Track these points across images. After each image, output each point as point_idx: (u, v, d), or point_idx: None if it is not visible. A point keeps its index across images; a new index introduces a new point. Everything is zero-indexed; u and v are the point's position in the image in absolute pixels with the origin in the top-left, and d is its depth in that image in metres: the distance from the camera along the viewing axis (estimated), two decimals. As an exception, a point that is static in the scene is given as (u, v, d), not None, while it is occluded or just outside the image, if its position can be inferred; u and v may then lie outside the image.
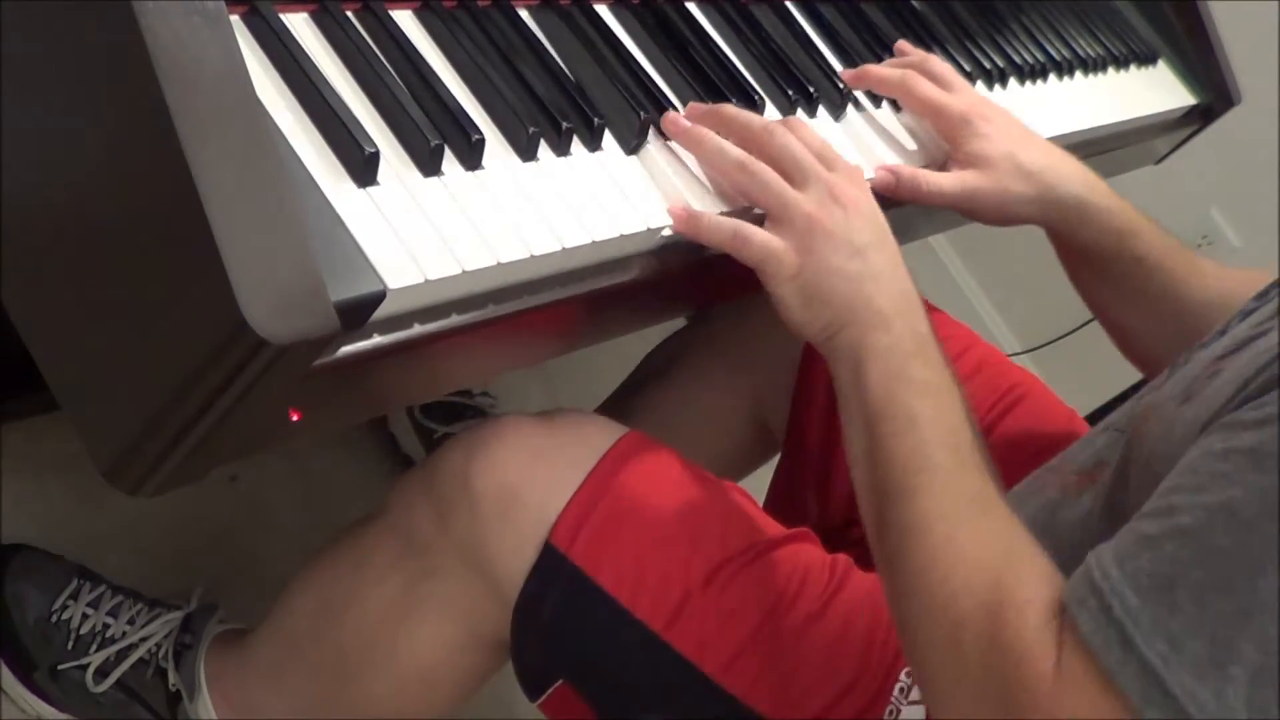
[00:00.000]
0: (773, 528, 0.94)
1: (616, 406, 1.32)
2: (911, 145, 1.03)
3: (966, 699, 0.69)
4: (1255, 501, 0.61)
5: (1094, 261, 1.02)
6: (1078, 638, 0.64)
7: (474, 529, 0.89)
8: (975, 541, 0.73)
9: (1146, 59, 1.44)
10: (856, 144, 0.99)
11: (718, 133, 0.85)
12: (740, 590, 0.88)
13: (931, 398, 0.78)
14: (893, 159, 1.00)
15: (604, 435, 0.92)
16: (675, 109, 0.87)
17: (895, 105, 1.05)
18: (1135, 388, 1.71)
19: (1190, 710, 0.61)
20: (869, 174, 0.96)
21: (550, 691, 0.92)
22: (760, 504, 0.99)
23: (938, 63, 1.05)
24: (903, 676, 0.88)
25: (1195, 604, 0.61)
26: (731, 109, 0.88)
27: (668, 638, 0.87)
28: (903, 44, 1.09)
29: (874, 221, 0.84)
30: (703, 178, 0.86)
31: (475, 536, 0.89)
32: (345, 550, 0.99)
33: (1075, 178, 1.00)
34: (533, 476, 0.88)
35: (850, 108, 1.02)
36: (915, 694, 0.88)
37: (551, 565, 0.87)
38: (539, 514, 0.88)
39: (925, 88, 1.01)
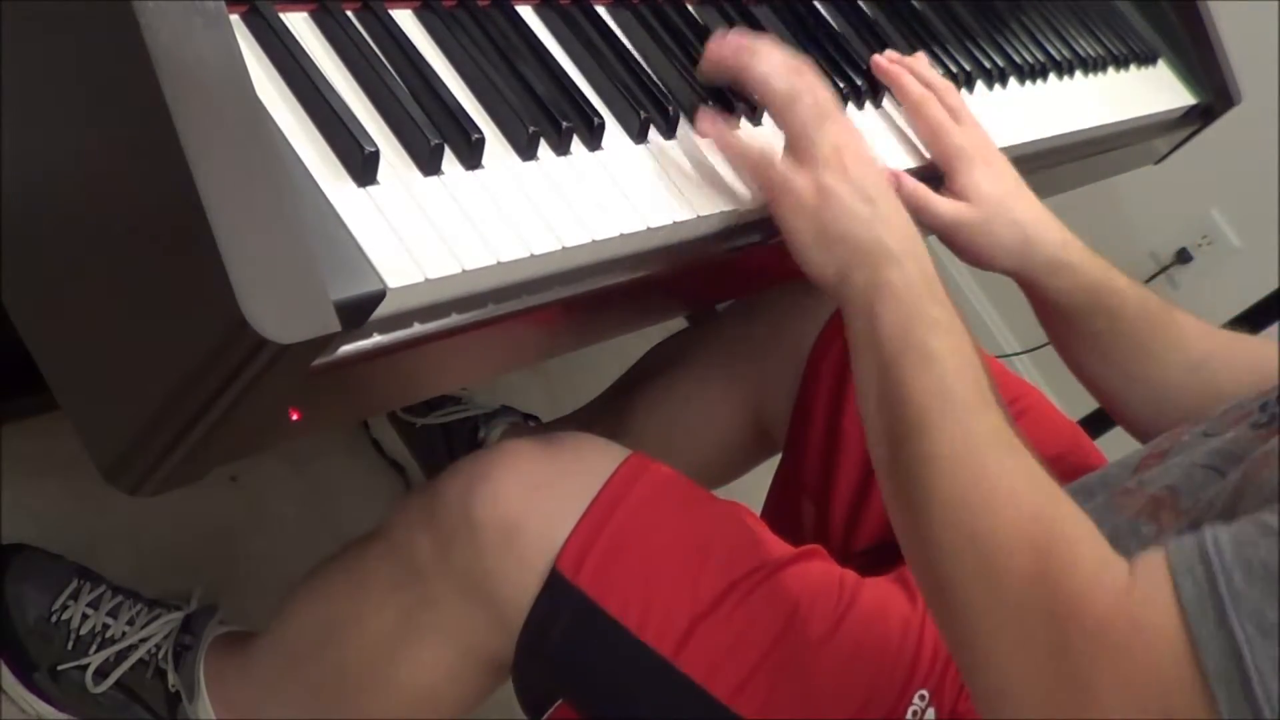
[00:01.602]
0: (780, 547, 0.93)
1: (615, 401, 1.33)
2: (906, 149, 1.03)
3: (1008, 631, 0.68)
4: None
5: (1067, 318, 1.02)
6: (1169, 596, 0.64)
7: (476, 559, 0.88)
8: (1010, 476, 0.72)
9: (1146, 59, 1.44)
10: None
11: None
12: (749, 613, 0.88)
13: (948, 334, 0.78)
14: (894, 160, 1.00)
15: (606, 460, 0.91)
16: (676, 108, 0.87)
17: (890, 101, 1.05)
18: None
19: (1258, 694, 0.61)
20: None
21: (551, 711, 0.91)
22: (757, 510, 0.99)
23: (954, 94, 1.05)
24: (916, 699, 0.88)
25: None
26: (768, 42, 0.88)
27: (677, 663, 0.86)
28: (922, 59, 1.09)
29: (879, 172, 0.85)
30: (703, 178, 0.85)
31: (478, 566, 0.88)
32: (347, 569, 0.98)
33: (1054, 236, 1.00)
34: (535, 505, 0.88)
35: (850, 104, 1.02)
36: (930, 716, 0.88)
37: (558, 593, 0.87)
38: (543, 542, 0.87)
39: (938, 111, 1.01)
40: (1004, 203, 0.99)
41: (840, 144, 0.84)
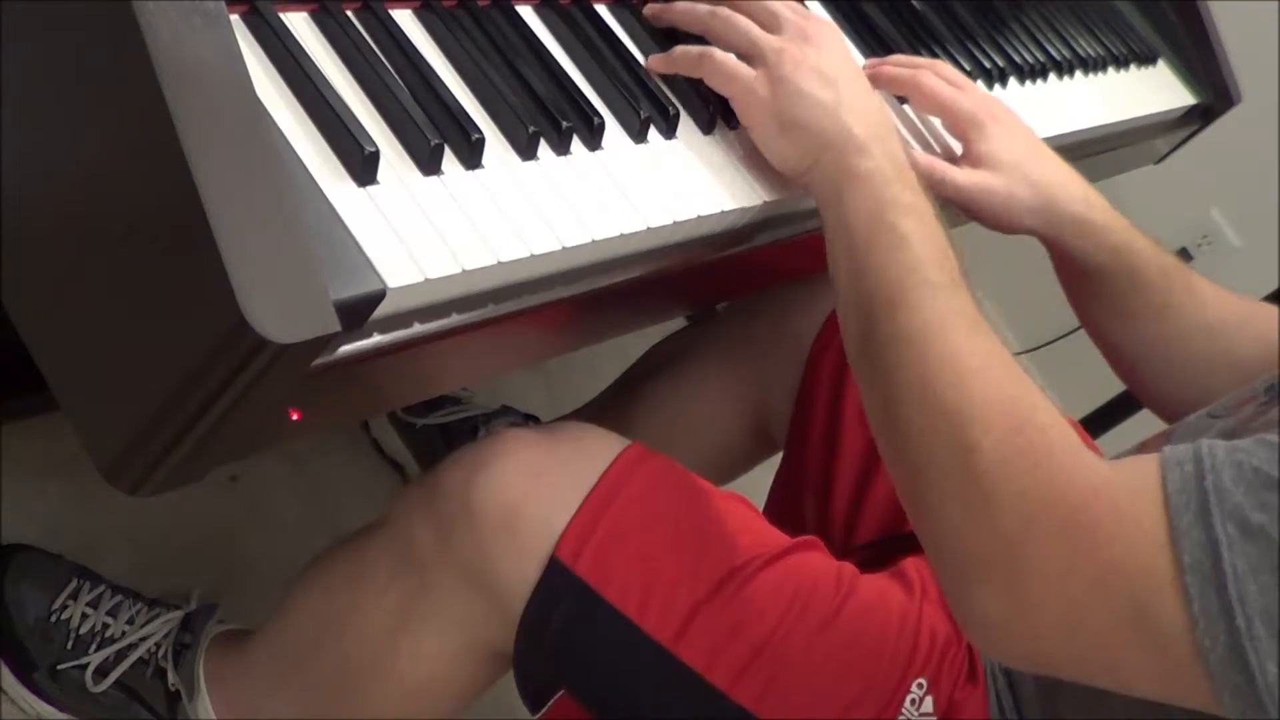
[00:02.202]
0: (778, 537, 0.94)
1: (615, 400, 1.33)
2: (915, 146, 1.03)
3: (979, 503, 0.68)
4: None
5: (1089, 278, 1.02)
6: (1155, 486, 0.64)
7: (476, 548, 0.88)
8: (985, 354, 0.72)
9: (1146, 59, 1.44)
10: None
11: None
12: (748, 601, 0.88)
13: (918, 220, 0.78)
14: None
15: (606, 449, 0.92)
16: (675, 108, 0.87)
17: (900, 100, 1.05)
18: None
19: (1231, 592, 0.61)
20: None
21: (552, 704, 0.91)
22: (761, 509, 0.99)
23: (946, 66, 1.05)
24: (914, 687, 0.88)
25: None
26: None
27: (676, 651, 0.87)
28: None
29: (844, 57, 0.86)
30: (703, 178, 0.86)
31: (477, 555, 0.88)
32: (345, 561, 0.98)
33: (1077, 193, 1.00)
34: (535, 494, 0.88)
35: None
36: (927, 704, 0.88)
37: (557, 581, 0.87)
38: (543, 531, 0.87)
39: (937, 85, 1.01)
40: (1022, 165, 0.98)
41: (792, 34, 0.85)
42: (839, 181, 0.80)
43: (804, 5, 0.90)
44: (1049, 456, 0.67)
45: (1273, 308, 1.02)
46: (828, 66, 0.84)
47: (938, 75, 1.02)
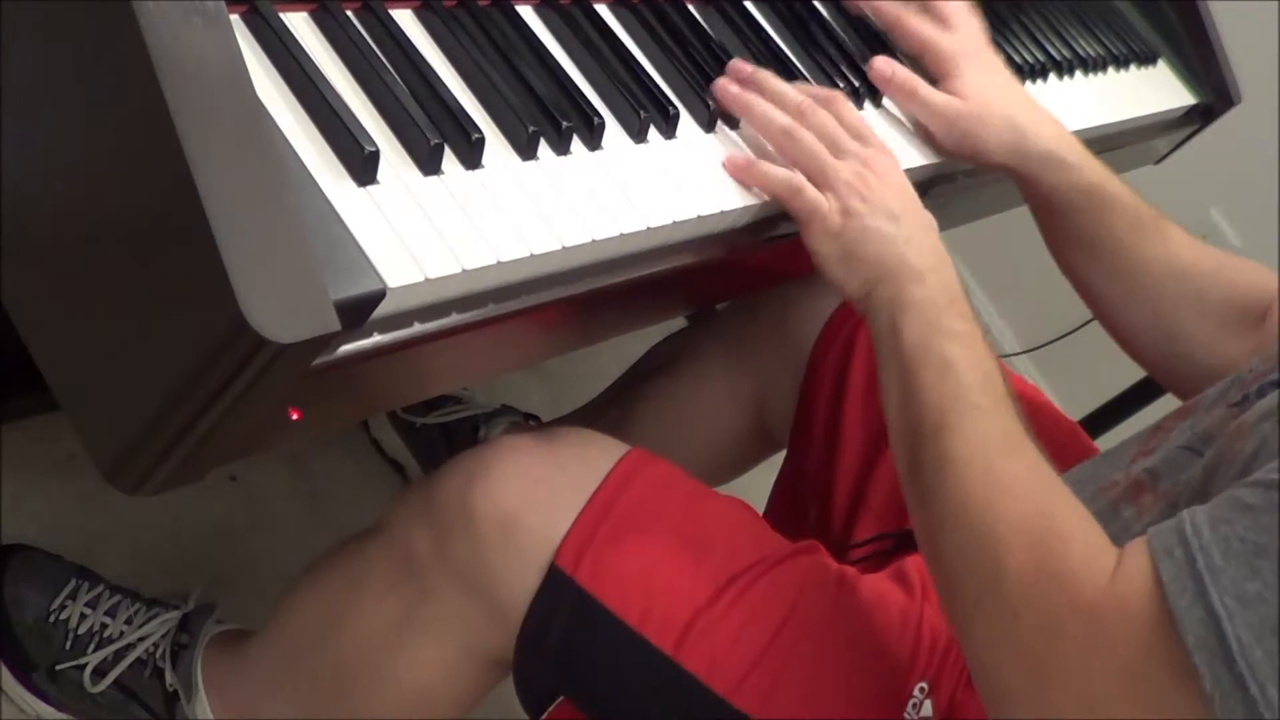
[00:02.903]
0: (778, 542, 0.94)
1: (615, 399, 1.33)
2: (916, 146, 1.03)
3: (1003, 622, 0.70)
4: None
5: (1062, 217, 1.04)
6: (1150, 579, 0.65)
7: (475, 554, 0.88)
8: (1015, 474, 0.75)
9: (1146, 59, 1.44)
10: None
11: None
12: (749, 607, 0.88)
13: (966, 346, 0.81)
14: (902, 156, 1.00)
15: (605, 455, 0.91)
16: (675, 108, 0.87)
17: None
18: (1136, 389, 1.71)
19: (1240, 664, 0.62)
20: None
21: (551, 710, 0.91)
22: (759, 509, 0.99)
23: (941, 4, 1.07)
24: (915, 691, 0.88)
25: (1275, 574, 0.63)
26: (774, 79, 0.92)
27: (677, 658, 0.86)
28: None
29: (905, 191, 0.89)
30: (703, 177, 0.85)
31: (476, 561, 0.88)
32: (344, 565, 0.98)
33: (1050, 132, 1.03)
34: (534, 500, 0.88)
35: (866, 102, 1.02)
36: (927, 708, 0.88)
37: (557, 589, 0.87)
38: (542, 538, 0.87)
39: (918, 23, 1.04)
40: (997, 100, 1.02)
41: (857, 166, 0.88)
42: (893, 310, 0.84)
43: (865, 126, 0.92)
44: (1065, 570, 0.69)
45: (1249, 262, 1.05)
46: (893, 201, 0.87)
47: (930, 10, 1.05)
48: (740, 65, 0.93)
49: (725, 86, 0.91)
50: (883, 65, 1.00)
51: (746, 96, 0.90)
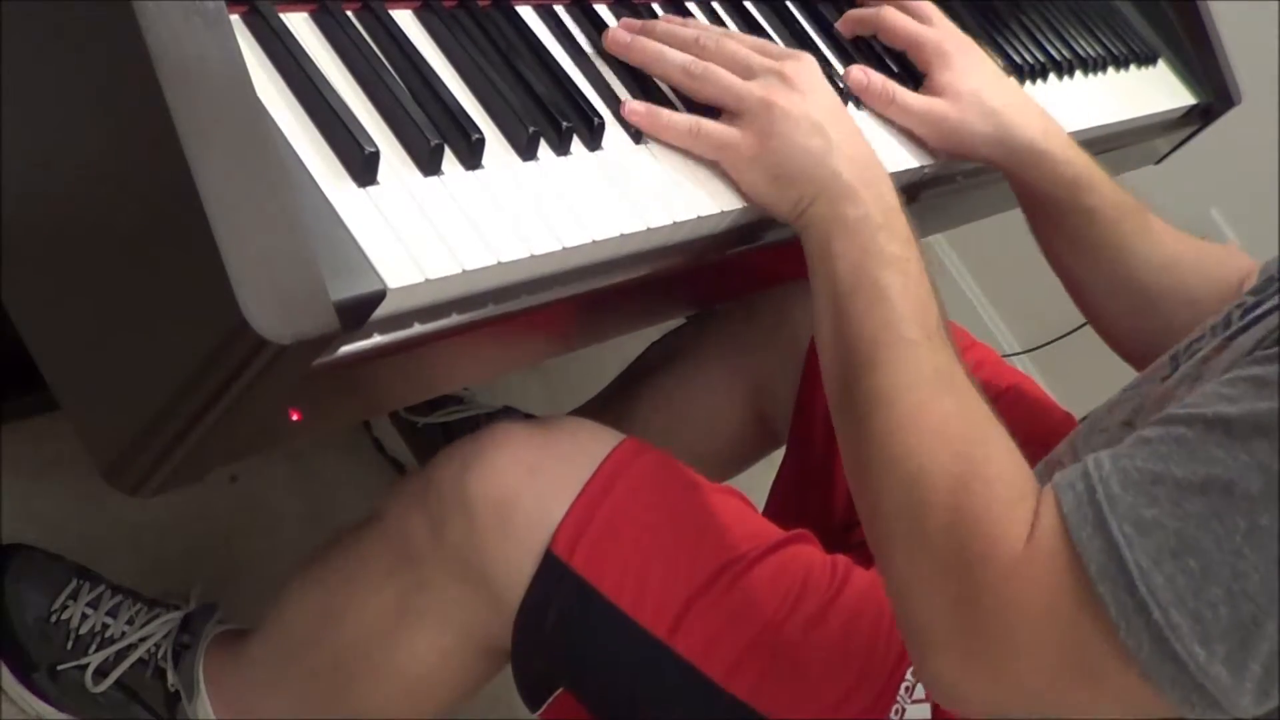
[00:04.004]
0: (772, 530, 0.94)
1: (615, 396, 1.33)
2: (909, 148, 1.03)
3: (925, 567, 0.70)
4: (1250, 419, 0.64)
5: (1047, 210, 1.03)
6: (1056, 517, 0.66)
7: (471, 540, 0.88)
8: (943, 414, 0.73)
9: (1146, 59, 1.44)
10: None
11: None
12: (742, 594, 0.88)
13: (899, 272, 0.79)
14: (894, 159, 1.00)
15: (601, 442, 0.92)
16: (676, 109, 0.87)
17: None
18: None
19: (1141, 589, 0.63)
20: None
21: (551, 700, 0.92)
22: (759, 505, 0.99)
23: (916, 2, 1.06)
24: (908, 675, 0.88)
25: (1170, 500, 0.64)
26: (664, 24, 0.89)
27: (671, 644, 0.87)
28: None
29: (828, 98, 0.86)
30: (703, 178, 0.85)
31: (472, 548, 0.88)
32: (341, 556, 0.98)
33: (1034, 124, 1.01)
34: (530, 487, 0.88)
35: (850, 105, 1.02)
36: (920, 692, 0.88)
37: (553, 575, 0.87)
38: (538, 524, 0.87)
39: (899, 19, 1.03)
40: (980, 93, 1.00)
41: (772, 82, 0.84)
42: (826, 229, 0.81)
43: (772, 44, 0.89)
44: (987, 517, 0.69)
45: (1224, 246, 1.06)
46: (815, 111, 0.83)
47: (906, 8, 1.05)
48: (629, 20, 0.90)
49: (615, 36, 0.87)
50: (858, 74, 0.99)
51: (639, 42, 0.87)
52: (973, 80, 1.01)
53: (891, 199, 0.82)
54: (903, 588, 0.72)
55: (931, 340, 0.77)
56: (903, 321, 0.77)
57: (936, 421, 0.73)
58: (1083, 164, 1.02)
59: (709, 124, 0.84)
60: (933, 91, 1.01)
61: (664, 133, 0.84)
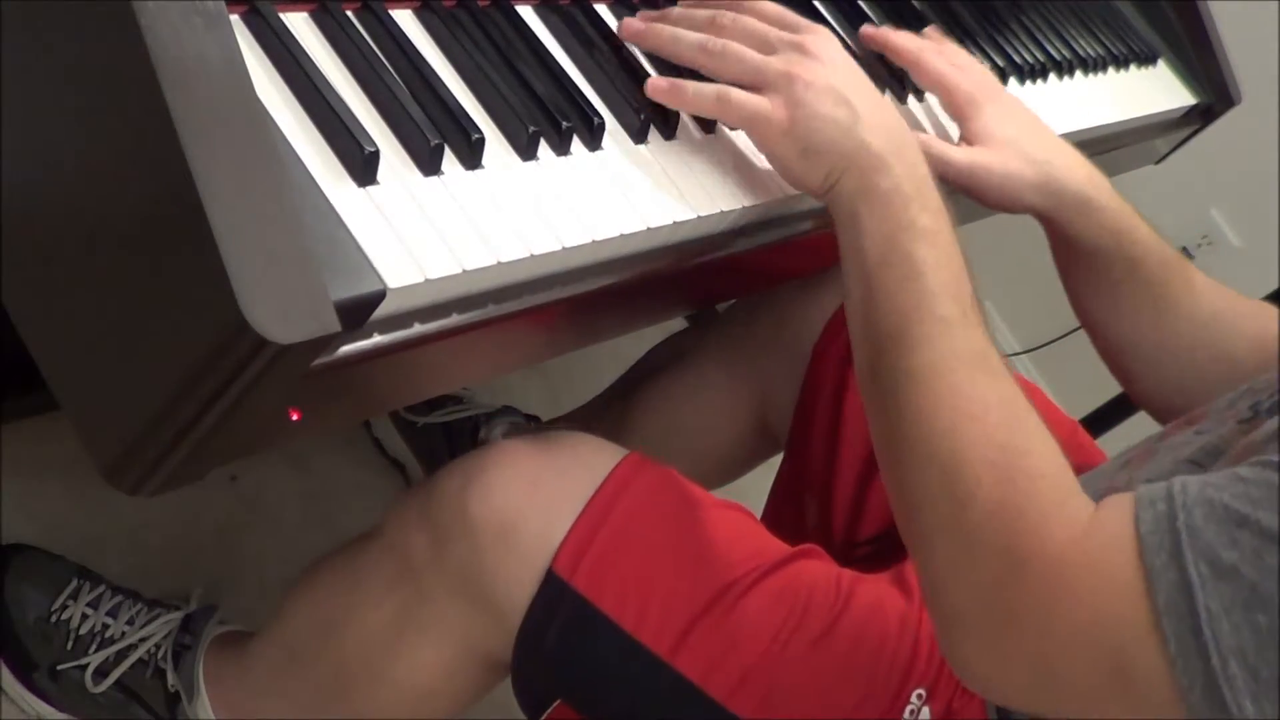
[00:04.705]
0: (777, 547, 0.93)
1: (616, 400, 1.32)
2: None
3: (962, 553, 0.69)
4: None
5: (1089, 260, 1.00)
6: (1128, 528, 0.64)
7: (472, 557, 0.88)
8: (984, 399, 0.72)
9: (1146, 59, 1.44)
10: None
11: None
12: (746, 613, 0.88)
13: (933, 245, 0.77)
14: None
15: (603, 459, 0.91)
16: (675, 110, 0.87)
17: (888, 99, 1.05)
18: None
19: (1206, 633, 0.62)
20: None
21: (549, 712, 0.91)
22: (758, 510, 0.98)
23: (953, 47, 1.04)
24: (913, 698, 0.88)
25: (1252, 549, 0.62)
26: (678, 9, 0.88)
27: (674, 663, 0.86)
28: (933, 29, 1.07)
29: (851, 70, 0.84)
30: (703, 177, 0.85)
31: (474, 565, 0.88)
32: (343, 567, 0.98)
33: (1079, 172, 0.98)
34: (532, 504, 0.88)
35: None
36: (925, 714, 0.88)
37: (554, 593, 0.87)
38: (540, 542, 0.87)
39: (939, 62, 0.99)
40: (1020, 141, 0.97)
41: (791, 55, 0.82)
42: (856, 201, 0.79)
43: (790, 14, 0.87)
44: (1033, 509, 0.67)
45: (1271, 307, 1.02)
46: (839, 81, 0.81)
47: (944, 54, 1.01)
48: (645, 12, 0.89)
49: (629, 23, 0.86)
50: None
51: (653, 26, 0.86)
52: (1010, 129, 0.97)
53: (923, 169, 0.80)
54: (937, 572, 0.71)
55: (967, 319, 0.75)
56: (937, 298, 0.75)
57: (977, 407, 0.71)
58: (1129, 215, 0.98)
59: (738, 92, 0.82)
60: (969, 139, 0.98)
61: (690, 104, 0.83)
